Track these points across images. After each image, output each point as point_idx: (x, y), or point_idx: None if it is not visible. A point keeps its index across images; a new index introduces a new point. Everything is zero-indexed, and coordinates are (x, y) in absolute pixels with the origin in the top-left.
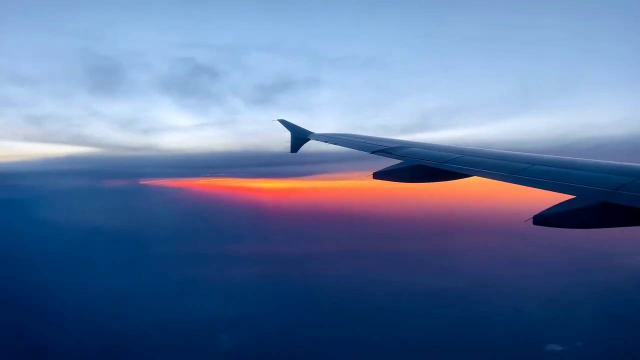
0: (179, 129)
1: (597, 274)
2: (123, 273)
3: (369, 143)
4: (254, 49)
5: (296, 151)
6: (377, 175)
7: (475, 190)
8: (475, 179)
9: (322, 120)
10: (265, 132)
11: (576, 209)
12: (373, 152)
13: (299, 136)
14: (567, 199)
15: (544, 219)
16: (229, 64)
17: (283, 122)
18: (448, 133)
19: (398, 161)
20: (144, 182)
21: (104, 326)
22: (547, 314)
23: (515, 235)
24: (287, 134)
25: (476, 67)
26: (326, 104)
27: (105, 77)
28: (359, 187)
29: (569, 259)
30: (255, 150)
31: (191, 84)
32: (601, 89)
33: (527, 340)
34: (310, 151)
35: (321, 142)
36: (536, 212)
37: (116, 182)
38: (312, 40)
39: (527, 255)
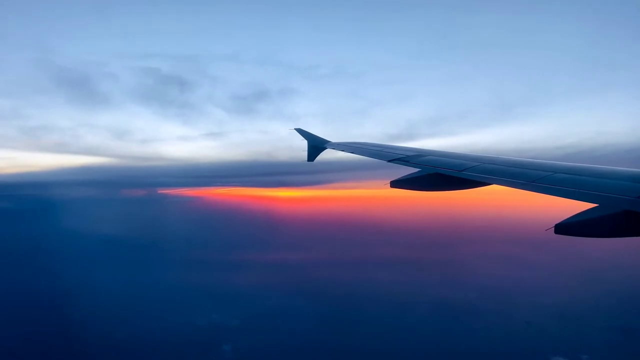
0: (174, 139)
1: (615, 286)
2: (141, 280)
3: (386, 152)
4: (215, 58)
5: (313, 160)
6: (395, 184)
7: (494, 199)
8: (494, 187)
9: (310, 129)
10: (270, 142)
11: (598, 218)
12: (390, 161)
13: (316, 145)
14: (588, 207)
15: (565, 228)
16: (195, 74)
17: (300, 131)
18: (438, 141)
19: (415, 169)
20: (162, 191)
21: (108, 333)
22: (558, 326)
23: (536, 244)
24: (294, 143)
25: (451, 76)
26: (308, 113)
27: (77, 89)
28: (376, 195)
29: (588, 269)
30: (266, 159)
31: (166, 94)
32: (577, 96)
33: (532, 352)
34: (325, 159)
35: (337, 150)
36: (557, 221)
37: (135, 192)
38: (271, 49)
39: (546, 265)
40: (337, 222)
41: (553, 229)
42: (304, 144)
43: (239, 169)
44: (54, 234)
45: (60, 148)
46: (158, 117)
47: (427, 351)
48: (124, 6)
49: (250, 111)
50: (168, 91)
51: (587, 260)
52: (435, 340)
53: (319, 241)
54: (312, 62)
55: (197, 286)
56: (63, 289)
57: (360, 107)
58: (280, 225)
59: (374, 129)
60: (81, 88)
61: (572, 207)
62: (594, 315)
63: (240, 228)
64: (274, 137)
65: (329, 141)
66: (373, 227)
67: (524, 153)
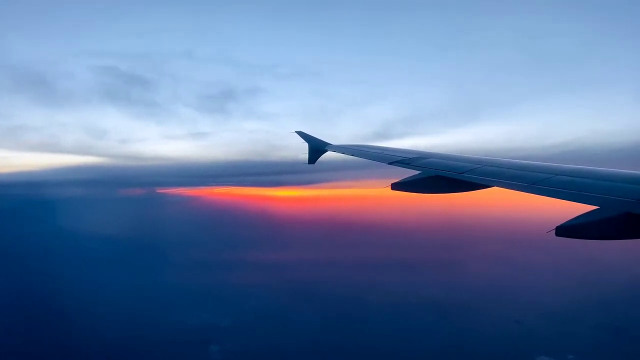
0: (157, 138)
1: (613, 286)
2: (136, 280)
3: (386, 154)
4: (170, 56)
5: (314, 163)
6: (396, 186)
7: (495, 201)
8: (495, 190)
9: (287, 129)
10: (259, 141)
11: (599, 220)
12: (391, 163)
13: (317, 148)
14: (589, 209)
15: (566, 230)
16: (154, 72)
17: (300, 133)
18: (416, 141)
19: (416, 172)
20: (161, 190)
21: (97, 333)
22: (549, 325)
23: (536, 246)
24: (287, 142)
25: (420, 75)
26: (281, 113)
27: (37, 88)
28: (376, 196)
29: (586, 271)
30: (260, 159)
31: (130, 93)
32: (544, 100)
33: (518, 351)
34: (325, 159)
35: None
36: (558, 223)
37: (134, 191)
38: (225, 48)
39: (545, 266)
40: (335, 222)
41: (554, 231)
42: (295, 142)
43: (234, 168)
44: (52, 234)
45: (49, 147)
46: (129, 117)
47: (417, 351)
48: (68, 3)
49: (222, 110)
50: (131, 90)
51: (586, 262)
52: (426, 340)
53: (316, 241)
54: (270, 61)
55: (193, 286)
56: (58, 289)
57: (332, 106)
58: (277, 225)
59: (350, 129)
60: (41, 87)
61: (573, 209)
62: (587, 315)
63: (238, 228)
64: (262, 137)
65: (330, 144)
66: (371, 228)
67: (510, 153)
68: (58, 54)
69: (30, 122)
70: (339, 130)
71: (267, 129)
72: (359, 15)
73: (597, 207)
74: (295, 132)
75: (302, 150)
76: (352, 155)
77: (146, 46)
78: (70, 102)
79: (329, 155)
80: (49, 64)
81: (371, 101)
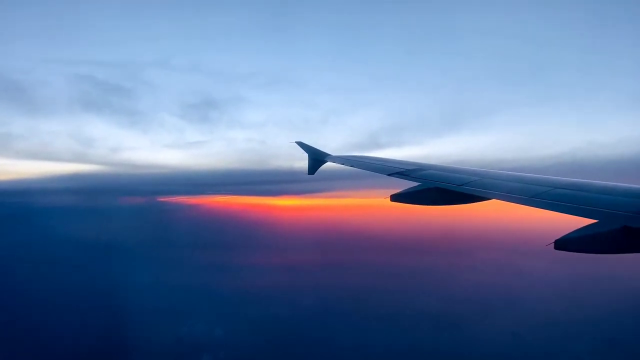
0: (145, 147)
1: (610, 299)
2: (132, 285)
3: (386, 165)
4: (145, 65)
5: (314, 173)
6: (395, 198)
7: (494, 214)
8: (494, 202)
9: (276, 139)
10: (253, 150)
11: (598, 234)
12: (390, 175)
13: (317, 158)
14: (588, 223)
15: (565, 243)
16: (131, 81)
17: (300, 144)
18: (403, 152)
19: (415, 183)
20: (162, 199)
21: (91, 340)
22: (545, 338)
23: (534, 259)
24: (283, 152)
25: (403, 84)
26: (267, 122)
27: (16, 96)
28: (375, 207)
29: (584, 284)
30: (258, 168)
31: (110, 102)
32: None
33: None
34: (326, 169)
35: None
36: (557, 237)
37: (134, 199)
38: (199, 56)
39: (542, 279)
40: (334, 232)
41: (553, 244)
42: (290, 151)
43: (232, 177)
44: (51, 241)
45: (41, 155)
46: (114, 125)
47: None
48: (38, 11)
49: (207, 119)
50: (110, 98)
51: (585, 275)
52: (421, 350)
53: (314, 249)
54: (246, 70)
55: (192, 292)
56: (56, 293)
57: (315, 115)
58: (277, 233)
59: (337, 138)
60: (19, 95)
61: (572, 222)
62: (584, 328)
63: (240, 235)
64: (256, 146)
65: (330, 154)
66: (370, 239)
67: (502, 164)
68: (32, 62)
69: (15, 130)
70: (325, 141)
71: (259, 138)
72: (335, 22)
73: (596, 221)
74: (296, 142)
75: (297, 159)
76: (352, 166)
77: (120, 55)
78: (51, 110)
79: (328, 165)
80: (25, 72)
81: (353, 110)
